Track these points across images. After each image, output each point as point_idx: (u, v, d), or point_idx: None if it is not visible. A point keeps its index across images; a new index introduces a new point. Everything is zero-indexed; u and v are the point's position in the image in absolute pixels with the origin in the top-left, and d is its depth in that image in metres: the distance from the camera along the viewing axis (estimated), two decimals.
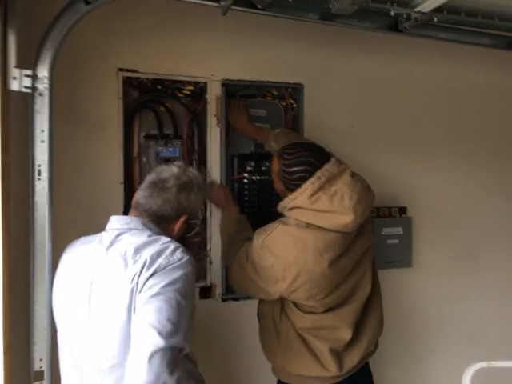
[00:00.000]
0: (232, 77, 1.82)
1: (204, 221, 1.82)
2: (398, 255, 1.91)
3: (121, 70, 1.69)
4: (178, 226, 1.29)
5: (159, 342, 1.00)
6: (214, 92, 1.79)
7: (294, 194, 1.37)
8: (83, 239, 1.25)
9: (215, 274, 1.83)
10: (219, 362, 1.84)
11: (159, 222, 1.25)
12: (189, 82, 1.79)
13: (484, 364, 1.41)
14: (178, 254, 1.14)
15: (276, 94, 1.93)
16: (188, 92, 1.79)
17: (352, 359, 1.47)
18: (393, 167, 2.05)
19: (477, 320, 2.17)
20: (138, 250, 1.14)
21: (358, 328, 1.50)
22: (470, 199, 2.19)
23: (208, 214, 1.81)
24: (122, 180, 1.69)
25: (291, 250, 1.35)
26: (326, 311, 1.44)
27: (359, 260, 1.49)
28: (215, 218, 1.80)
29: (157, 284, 1.07)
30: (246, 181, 1.86)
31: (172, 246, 1.16)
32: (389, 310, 1.98)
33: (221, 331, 1.84)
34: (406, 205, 2.01)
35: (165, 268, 1.10)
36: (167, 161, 1.76)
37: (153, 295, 1.06)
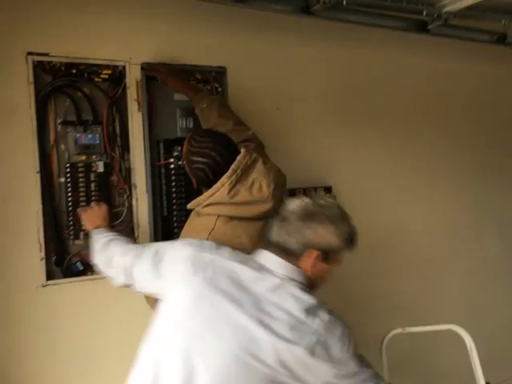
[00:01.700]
0: (152, 60, 1.76)
1: (130, 208, 1.79)
2: None
3: (30, 53, 1.59)
4: (308, 261, 1.13)
5: None
6: (133, 76, 1.74)
7: (211, 191, 1.37)
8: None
9: None
10: None
11: (287, 258, 1.15)
12: (106, 66, 1.73)
13: (399, 330, 1.51)
14: None
15: (200, 77, 1.91)
16: (106, 76, 1.73)
17: None
18: (319, 148, 2.11)
19: (400, 292, 2.29)
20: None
21: None
22: (394, 176, 2.31)
23: (134, 200, 1.78)
24: (38, 169, 1.61)
25: None
26: None
27: None
28: (142, 204, 1.78)
29: None
30: (172, 166, 1.84)
31: None
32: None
33: None
34: (331, 184, 2.08)
35: None
36: (87, 148, 1.72)
37: None
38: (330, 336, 1.05)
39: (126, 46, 1.73)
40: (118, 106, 1.75)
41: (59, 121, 1.68)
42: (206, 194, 1.38)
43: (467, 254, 2.54)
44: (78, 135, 1.69)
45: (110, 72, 1.73)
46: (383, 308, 2.17)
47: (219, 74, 1.92)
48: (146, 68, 1.76)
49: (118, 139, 1.76)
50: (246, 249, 1.34)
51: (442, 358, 2.28)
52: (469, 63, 2.44)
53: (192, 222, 1.49)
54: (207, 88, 1.92)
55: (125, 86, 1.75)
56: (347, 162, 2.17)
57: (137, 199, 1.78)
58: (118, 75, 1.75)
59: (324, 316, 1.07)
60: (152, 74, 1.77)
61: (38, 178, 1.61)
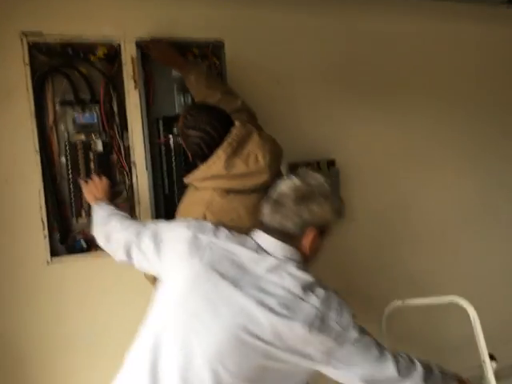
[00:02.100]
0: (147, 35, 1.74)
1: (131, 186, 1.80)
2: None
3: (24, 33, 1.60)
4: (307, 240, 1.16)
5: None
6: (128, 53, 1.73)
7: (206, 164, 1.36)
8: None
9: None
10: None
11: (285, 241, 1.17)
12: (102, 44, 1.71)
13: (399, 302, 1.49)
14: None
15: (197, 52, 1.87)
16: (101, 54, 1.71)
17: None
18: (322, 121, 2.06)
19: (407, 265, 2.27)
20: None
21: None
22: (399, 150, 2.24)
23: (134, 178, 1.79)
24: (38, 149, 1.64)
25: (231, 227, 1.30)
26: None
27: None
28: (142, 182, 1.79)
29: None
30: (172, 143, 1.84)
31: None
32: (323, 258, 2.07)
33: None
34: (334, 157, 2.05)
35: None
36: (85, 127, 1.73)
37: None
38: (326, 309, 1.08)
39: (121, 22, 1.72)
40: (115, 84, 1.75)
41: (57, 100, 1.69)
42: (202, 168, 1.38)
43: (478, 229, 2.47)
44: (76, 114, 1.70)
45: (105, 50, 1.72)
46: (388, 281, 2.15)
47: (217, 48, 1.89)
48: (139, 45, 1.74)
49: (116, 118, 1.77)
50: (243, 221, 1.37)
51: (447, 332, 2.25)
52: (476, 27, 2.32)
53: (190, 197, 1.49)
54: (205, 63, 1.90)
55: (120, 63, 1.74)
56: (351, 134, 2.11)
57: (137, 177, 1.79)
58: (113, 53, 1.74)
59: (320, 292, 1.10)
60: (144, 50, 1.75)
61: (38, 157, 1.64)
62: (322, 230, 1.18)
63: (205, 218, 1.35)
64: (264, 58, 1.95)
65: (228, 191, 1.39)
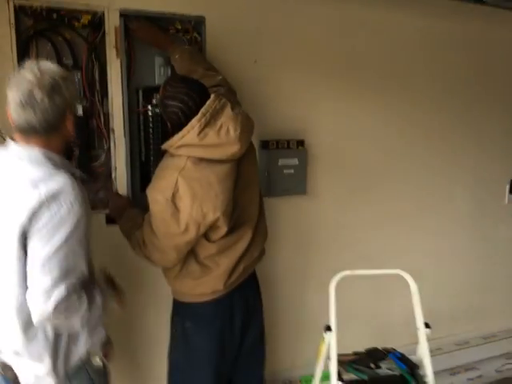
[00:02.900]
0: (131, 6, 1.81)
1: (108, 151, 1.89)
2: (293, 184, 2.08)
3: None
4: (69, 124, 1.28)
5: None
6: (112, 22, 1.79)
7: (181, 133, 1.47)
8: None
9: None
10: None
11: (50, 134, 1.24)
12: (86, 12, 1.78)
13: (348, 272, 1.64)
14: None
15: (180, 27, 1.95)
16: (86, 22, 1.78)
17: (239, 268, 1.67)
18: (295, 103, 2.17)
19: (368, 243, 2.43)
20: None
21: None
22: (365, 133, 2.36)
23: (112, 144, 1.88)
24: None
25: (202, 193, 1.47)
26: (228, 234, 1.60)
27: (247, 185, 1.66)
28: (119, 148, 1.88)
29: None
30: (150, 114, 1.93)
31: None
32: (286, 232, 2.21)
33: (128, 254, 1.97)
34: (304, 138, 2.16)
35: None
36: None
37: None
38: (50, 200, 1.18)
39: None
40: (97, 51, 1.82)
41: None
42: (177, 136, 1.48)
43: (436, 210, 2.65)
44: None
45: (89, 18, 1.78)
46: (347, 258, 2.30)
47: (198, 23, 1.96)
48: (123, 16, 1.80)
49: (97, 84, 1.84)
50: (213, 187, 1.49)
51: (392, 305, 2.44)
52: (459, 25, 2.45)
53: (165, 162, 1.59)
54: (186, 38, 1.97)
55: (104, 32, 1.80)
56: (322, 117, 2.23)
57: (115, 143, 1.88)
58: (97, 21, 1.80)
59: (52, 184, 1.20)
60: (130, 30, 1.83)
61: None
62: (72, 109, 1.31)
63: (177, 182, 1.47)
64: (243, 36, 2.04)
65: (201, 159, 1.50)
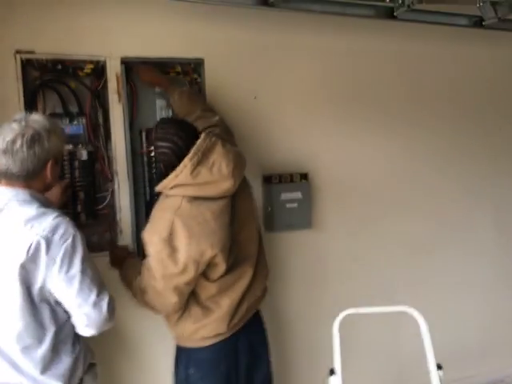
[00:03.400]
0: (131, 54, 1.88)
1: (112, 193, 1.93)
2: (296, 218, 2.05)
3: (18, 52, 1.75)
4: (48, 172, 1.37)
5: None
6: (113, 69, 1.87)
7: (174, 173, 1.48)
8: None
9: (125, 242, 1.93)
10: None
11: (29, 179, 1.33)
12: (90, 61, 1.86)
13: (352, 310, 1.58)
14: None
15: (179, 70, 2.01)
16: (89, 70, 1.86)
17: (242, 308, 1.64)
18: (297, 136, 2.17)
19: (381, 276, 2.34)
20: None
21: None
22: (369, 164, 2.32)
23: (116, 186, 1.92)
24: None
25: (198, 230, 1.47)
26: (228, 273, 1.58)
27: (244, 221, 1.65)
28: (123, 190, 1.92)
29: None
30: (153, 154, 1.96)
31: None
32: (291, 268, 2.17)
33: None
34: (307, 171, 2.14)
35: None
36: (72, 138, 1.86)
37: None
38: (50, 236, 1.28)
39: (106, 40, 1.86)
40: (100, 97, 1.89)
41: (47, 113, 1.83)
42: (171, 176, 1.49)
43: (454, 238, 2.54)
44: (64, 126, 1.84)
45: (92, 66, 1.86)
46: (358, 290, 2.24)
47: (197, 65, 2.02)
48: (126, 64, 1.88)
49: (101, 129, 1.91)
50: (209, 223, 1.49)
51: (402, 342, 2.32)
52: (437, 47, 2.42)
53: (160, 204, 1.60)
54: (187, 79, 2.03)
55: (106, 79, 1.87)
56: (325, 150, 2.22)
57: (119, 185, 1.91)
58: (100, 69, 1.88)
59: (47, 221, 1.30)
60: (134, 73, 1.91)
61: None
62: (57, 158, 1.40)
63: (173, 222, 1.47)
64: (242, 74, 2.08)
65: (196, 198, 1.51)
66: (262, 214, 2.10)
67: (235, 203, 1.61)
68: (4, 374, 1.33)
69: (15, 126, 1.31)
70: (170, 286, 1.50)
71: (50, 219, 1.31)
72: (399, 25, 2.07)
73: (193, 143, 1.49)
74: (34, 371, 1.33)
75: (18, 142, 1.28)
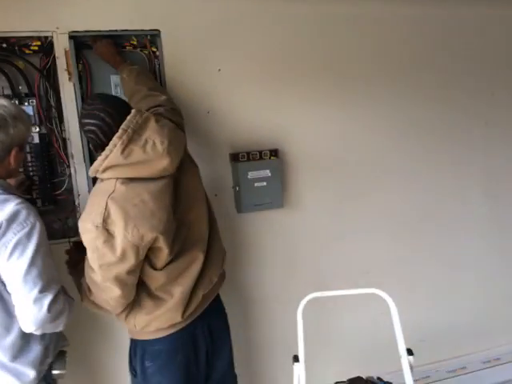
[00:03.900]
0: (80, 27, 1.76)
1: (70, 177, 1.84)
2: (266, 197, 1.92)
3: None
4: (12, 159, 1.35)
5: None
6: (61, 45, 1.75)
7: (104, 153, 1.34)
8: None
9: None
10: None
11: None
12: (38, 37, 1.75)
13: (317, 294, 1.48)
14: None
15: (135, 42, 1.88)
16: (36, 48, 1.75)
17: (197, 295, 1.53)
18: (265, 110, 2.02)
19: (363, 255, 2.21)
20: None
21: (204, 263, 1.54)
22: (347, 138, 2.16)
23: (72, 170, 1.83)
24: None
25: (135, 213, 1.34)
26: (177, 259, 1.48)
27: (192, 202, 1.54)
28: (80, 174, 1.82)
29: None
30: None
31: None
32: (261, 249, 2.06)
33: None
34: (278, 147, 2.00)
35: None
36: None
37: None
38: (7, 222, 1.26)
39: (52, 15, 1.73)
40: (51, 77, 1.78)
41: None
42: (100, 158, 1.36)
43: (442, 212, 2.39)
44: None
45: (39, 43, 1.75)
46: (331, 269, 2.14)
47: (154, 37, 1.88)
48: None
49: (54, 110, 1.81)
50: (147, 205, 1.36)
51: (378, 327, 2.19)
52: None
53: (95, 189, 1.48)
54: (144, 52, 1.90)
55: (54, 56, 1.76)
56: (297, 124, 2.06)
57: (75, 169, 1.83)
58: (48, 46, 1.76)
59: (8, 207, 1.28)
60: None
61: None
62: (21, 145, 1.39)
63: (106, 206, 1.34)
64: (204, 45, 1.93)
65: (131, 179, 1.38)
66: (232, 194, 2.00)
67: (180, 183, 1.49)
68: None
69: None
70: (109, 276, 1.37)
71: (12, 205, 1.29)
72: None
73: (123, 120, 1.35)
74: (4, 358, 1.34)
75: None
